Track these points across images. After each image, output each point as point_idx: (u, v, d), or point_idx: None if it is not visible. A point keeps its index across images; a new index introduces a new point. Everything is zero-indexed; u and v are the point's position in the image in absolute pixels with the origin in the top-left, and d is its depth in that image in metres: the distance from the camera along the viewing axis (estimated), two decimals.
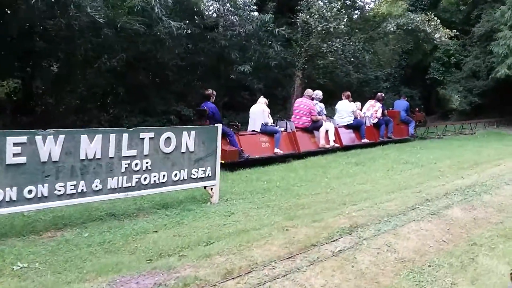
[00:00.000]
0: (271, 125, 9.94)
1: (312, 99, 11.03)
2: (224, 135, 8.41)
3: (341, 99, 12.28)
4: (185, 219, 5.04)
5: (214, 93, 9.46)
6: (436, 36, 14.48)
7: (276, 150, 9.68)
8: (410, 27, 14.21)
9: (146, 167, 5.10)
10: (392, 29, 14.15)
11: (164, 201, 5.77)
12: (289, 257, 3.72)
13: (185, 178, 5.64)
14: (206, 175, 5.89)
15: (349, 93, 12.39)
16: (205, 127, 6.41)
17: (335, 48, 13.45)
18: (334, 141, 10.92)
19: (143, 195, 5.37)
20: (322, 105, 11.42)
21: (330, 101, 17.25)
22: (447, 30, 15.04)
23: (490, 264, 3.82)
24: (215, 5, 11.78)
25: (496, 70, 19.07)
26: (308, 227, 4.56)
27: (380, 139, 12.67)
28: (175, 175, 5.45)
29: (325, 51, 13.67)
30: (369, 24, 15.96)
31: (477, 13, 23.73)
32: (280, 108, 18.51)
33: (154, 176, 5.20)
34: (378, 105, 12.89)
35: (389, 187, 6.93)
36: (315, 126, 10.76)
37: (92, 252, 3.97)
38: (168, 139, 5.31)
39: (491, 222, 4.99)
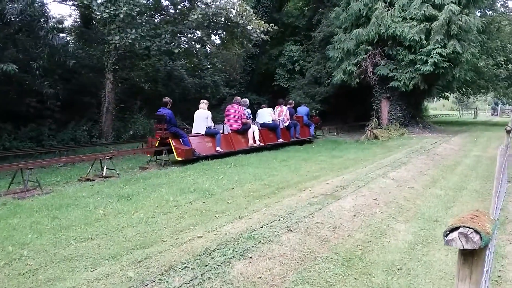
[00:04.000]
0: (213, 128, 11.38)
1: (240, 105, 12.54)
2: (178, 136, 10.21)
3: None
4: None
5: (171, 100, 10.58)
6: (249, 28, 12.60)
7: (218, 149, 11.14)
8: (220, 18, 12.06)
9: None
10: (197, 18, 11.81)
11: None
12: None
13: None
14: None
15: (264, 105, 14.76)
16: None
17: (130, 41, 10.63)
18: (259, 140, 12.78)
19: None
20: (249, 110, 12.95)
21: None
22: (262, 22, 13.26)
23: None
24: None
25: (333, 75, 18.26)
26: None
27: (291, 139, 14.62)
28: None
29: (117, 44, 10.76)
30: (181, 15, 13.50)
31: (317, 17, 23.16)
32: (93, 116, 15.21)
33: None
34: (285, 108, 14.63)
35: (119, 246, 4.37)
36: (245, 128, 12.42)
37: None
38: None
39: None
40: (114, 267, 3.65)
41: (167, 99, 10.53)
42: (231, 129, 12.05)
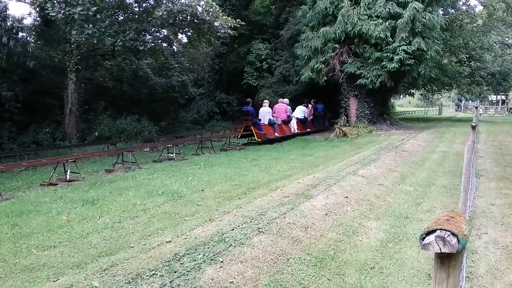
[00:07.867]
0: (273, 120, 15.74)
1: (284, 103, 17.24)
2: (256, 125, 14.79)
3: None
4: None
5: (252, 100, 15.77)
6: (216, 24, 12.48)
7: (276, 134, 15.69)
8: (186, 15, 11.85)
9: None
10: (162, 15, 11.55)
11: None
12: None
13: None
14: None
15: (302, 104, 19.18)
16: None
17: (87, 36, 10.28)
18: (296, 129, 17.29)
19: None
20: (289, 107, 17.40)
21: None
22: (229, 18, 13.14)
23: None
24: None
25: (301, 73, 18.29)
26: None
27: (314, 128, 19.24)
28: None
29: (77, 40, 10.39)
30: (145, 13, 13.20)
31: (285, 16, 23.16)
32: (56, 117, 14.62)
33: None
34: (310, 106, 19.10)
35: (84, 253, 4.19)
36: (289, 120, 16.92)
37: None
38: None
39: None
40: (78, 276, 3.46)
41: (249, 99, 15.68)
42: (281, 120, 16.52)
